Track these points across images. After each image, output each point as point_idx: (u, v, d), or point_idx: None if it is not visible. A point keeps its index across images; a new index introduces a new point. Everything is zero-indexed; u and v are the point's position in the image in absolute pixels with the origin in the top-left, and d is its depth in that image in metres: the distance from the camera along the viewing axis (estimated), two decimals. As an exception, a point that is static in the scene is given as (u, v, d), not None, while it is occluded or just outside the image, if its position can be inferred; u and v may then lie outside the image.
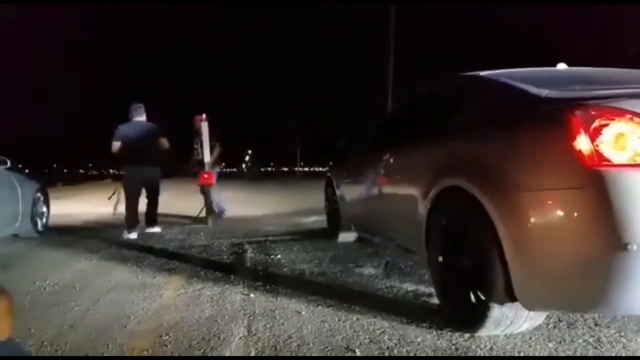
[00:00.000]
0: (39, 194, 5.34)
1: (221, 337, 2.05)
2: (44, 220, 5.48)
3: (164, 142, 5.40)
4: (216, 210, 6.34)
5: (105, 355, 1.91)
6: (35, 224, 5.11)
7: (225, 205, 6.96)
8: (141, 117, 5.37)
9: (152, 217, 5.50)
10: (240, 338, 2.04)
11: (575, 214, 1.52)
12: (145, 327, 2.22)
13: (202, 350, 1.92)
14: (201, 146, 6.17)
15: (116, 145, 5.19)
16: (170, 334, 2.10)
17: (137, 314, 2.41)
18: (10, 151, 5.41)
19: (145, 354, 1.91)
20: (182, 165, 6.35)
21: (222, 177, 7.19)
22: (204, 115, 6.15)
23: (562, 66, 2.73)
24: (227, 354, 1.88)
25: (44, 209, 5.51)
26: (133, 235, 5.04)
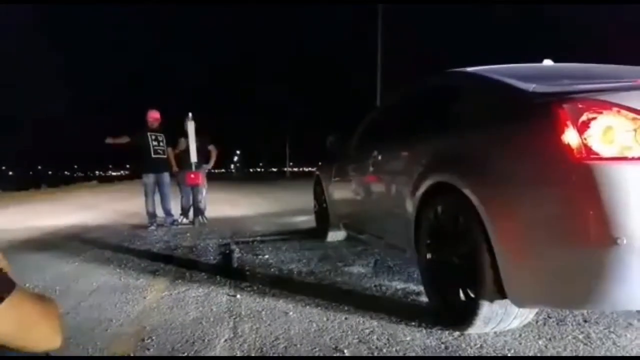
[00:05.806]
0: None
1: (206, 340, 1.99)
2: None
3: None
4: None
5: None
6: None
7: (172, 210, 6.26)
8: None
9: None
10: (226, 340, 1.99)
11: (564, 209, 1.50)
12: (128, 330, 2.15)
13: (185, 354, 1.86)
14: (160, 142, 6.06)
15: None
16: (153, 337, 2.04)
17: (119, 317, 2.34)
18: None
19: (126, 358, 1.85)
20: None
21: (209, 177, 7.08)
22: (157, 114, 6.07)
23: (548, 62, 2.73)
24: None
25: None
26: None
